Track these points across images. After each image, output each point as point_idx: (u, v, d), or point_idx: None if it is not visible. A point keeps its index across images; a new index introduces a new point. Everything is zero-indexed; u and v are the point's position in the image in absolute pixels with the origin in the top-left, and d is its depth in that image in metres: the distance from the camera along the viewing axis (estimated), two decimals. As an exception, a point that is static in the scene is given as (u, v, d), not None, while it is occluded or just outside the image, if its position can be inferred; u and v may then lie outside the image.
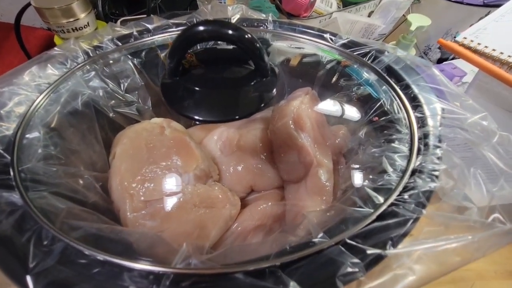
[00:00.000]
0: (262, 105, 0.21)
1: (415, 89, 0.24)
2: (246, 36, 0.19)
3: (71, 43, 0.28)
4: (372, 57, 0.28)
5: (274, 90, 0.22)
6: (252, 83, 0.21)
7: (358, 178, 0.22)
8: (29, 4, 0.46)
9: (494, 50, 0.40)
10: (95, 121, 0.28)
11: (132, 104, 0.31)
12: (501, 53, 0.39)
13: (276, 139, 0.30)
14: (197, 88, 0.21)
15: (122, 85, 0.30)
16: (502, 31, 0.42)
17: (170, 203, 0.25)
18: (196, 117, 0.21)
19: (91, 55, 0.28)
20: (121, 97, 0.30)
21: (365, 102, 0.27)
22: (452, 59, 0.63)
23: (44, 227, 0.17)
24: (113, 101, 0.29)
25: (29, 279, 0.14)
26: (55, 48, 0.27)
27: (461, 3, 0.55)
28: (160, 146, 0.27)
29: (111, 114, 0.29)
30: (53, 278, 0.14)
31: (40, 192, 0.19)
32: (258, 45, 0.20)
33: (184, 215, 0.25)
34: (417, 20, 0.53)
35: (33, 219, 0.17)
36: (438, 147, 0.20)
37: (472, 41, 0.42)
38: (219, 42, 0.28)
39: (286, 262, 0.15)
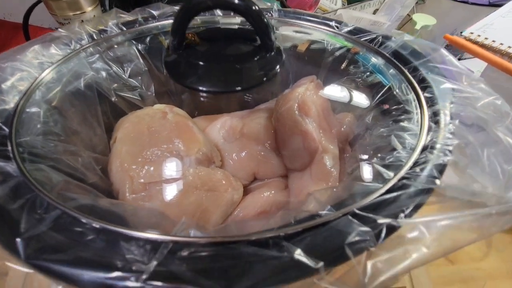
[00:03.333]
0: (265, 79, 0.21)
1: (423, 71, 0.23)
2: (253, 8, 0.19)
3: (76, 26, 0.28)
4: (379, 42, 0.28)
5: (278, 66, 0.21)
6: (256, 58, 0.21)
7: (365, 157, 0.21)
8: (37, 3, 0.47)
9: (502, 44, 0.39)
10: (97, 104, 0.27)
11: (135, 89, 0.30)
12: (509, 47, 0.39)
13: (280, 125, 0.29)
14: (200, 63, 0.21)
15: (125, 70, 0.30)
16: (510, 26, 0.41)
17: (170, 185, 0.24)
18: (200, 88, 0.20)
19: (95, 38, 0.28)
20: (124, 81, 0.29)
21: (372, 87, 0.27)
22: (458, 59, 0.63)
23: (39, 195, 0.16)
24: (116, 85, 0.28)
25: (19, 242, 0.13)
26: (59, 29, 0.27)
27: (466, 2, 0.55)
28: (162, 129, 0.27)
29: (113, 98, 0.29)
30: (45, 243, 0.14)
31: (37, 164, 0.19)
32: (264, 18, 0.20)
33: (184, 197, 0.24)
34: (422, 20, 0.53)
35: (28, 188, 0.16)
36: (450, 123, 0.19)
37: (479, 35, 0.41)
38: (221, 23, 0.27)
39: (291, 233, 0.14)
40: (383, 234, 0.14)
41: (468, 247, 0.44)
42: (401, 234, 0.14)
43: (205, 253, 0.14)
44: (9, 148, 0.19)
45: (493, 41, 0.40)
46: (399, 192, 0.15)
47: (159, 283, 0.12)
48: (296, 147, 0.28)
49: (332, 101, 0.28)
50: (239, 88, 0.20)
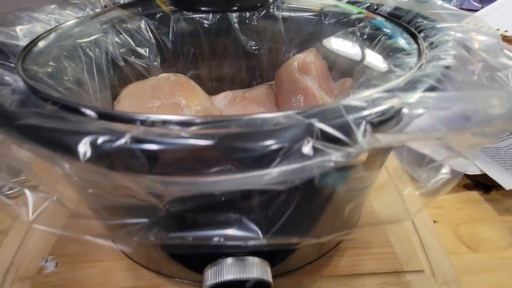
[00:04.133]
0: (259, 4, 0.22)
1: (418, 20, 0.24)
2: None
3: (92, -6, 0.31)
4: (374, 7, 0.29)
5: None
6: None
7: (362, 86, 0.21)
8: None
9: (498, 29, 0.41)
10: (104, 65, 0.29)
11: (142, 58, 0.32)
12: (506, 31, 0.40)
13: (280, 86, 0.29)
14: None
15: (134, 40, 0.32)
16: (504, 16, 0.43)
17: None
18: (202, 8, 0.21)
19: (108, 8, 0.30)
20: (132, 48, 0.31)
21: (371, 40, 0.27)
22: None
23: (35, 93, 0.16)
24: (124, 49, 0.30)
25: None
26: (75, -5, 0.29)
27: (460, 9, 0.58)
28: (164, 86, 0.27)
29: (121, 63, 0.30)
30: (38, 124, 0.13)
31: (40, 84, 0.19)
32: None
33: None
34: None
35: (26, 91, 0.17)
36: (449, 43, 0.19)
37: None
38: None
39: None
40: (384, 106, 0.13)
41: (490, 236, 0.40)
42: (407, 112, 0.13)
43: (196, 126, 0.13)
44: (14, 65, 0.19)
45: (489, 28, 0.41)
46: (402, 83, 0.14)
47: (146, 137, 0.12)
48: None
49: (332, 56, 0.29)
50: (235, 8, 0.21)
